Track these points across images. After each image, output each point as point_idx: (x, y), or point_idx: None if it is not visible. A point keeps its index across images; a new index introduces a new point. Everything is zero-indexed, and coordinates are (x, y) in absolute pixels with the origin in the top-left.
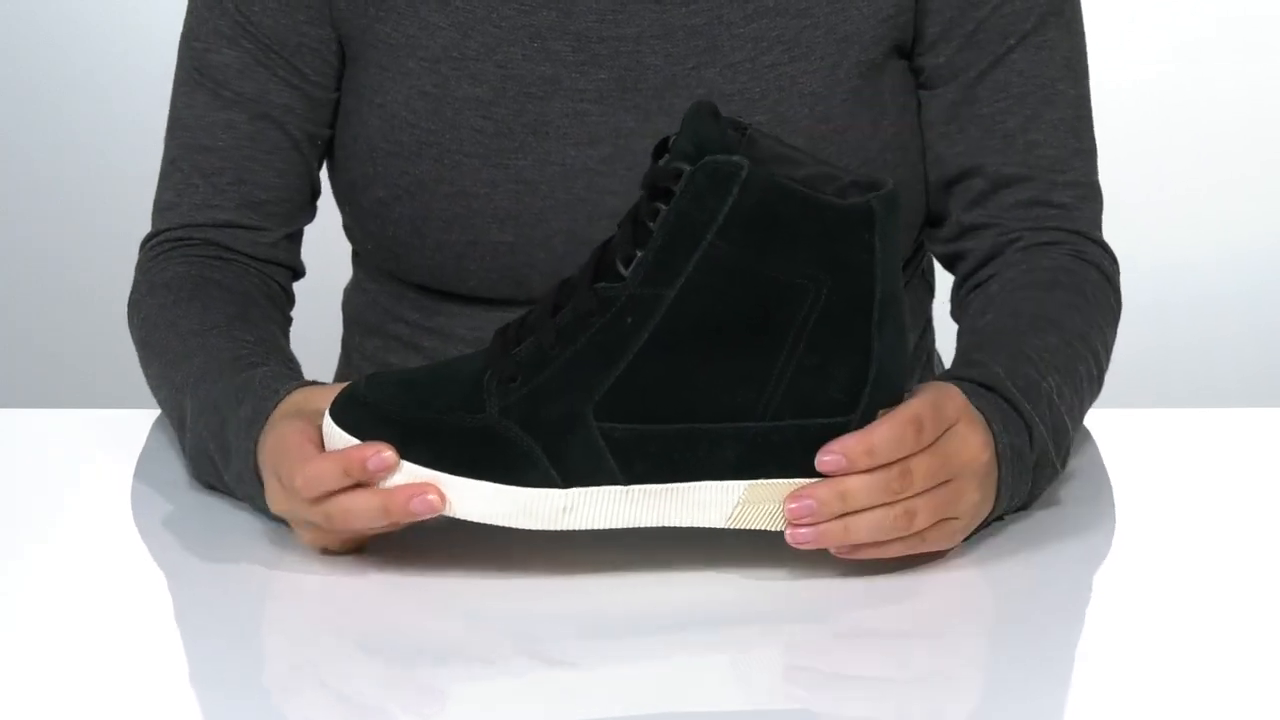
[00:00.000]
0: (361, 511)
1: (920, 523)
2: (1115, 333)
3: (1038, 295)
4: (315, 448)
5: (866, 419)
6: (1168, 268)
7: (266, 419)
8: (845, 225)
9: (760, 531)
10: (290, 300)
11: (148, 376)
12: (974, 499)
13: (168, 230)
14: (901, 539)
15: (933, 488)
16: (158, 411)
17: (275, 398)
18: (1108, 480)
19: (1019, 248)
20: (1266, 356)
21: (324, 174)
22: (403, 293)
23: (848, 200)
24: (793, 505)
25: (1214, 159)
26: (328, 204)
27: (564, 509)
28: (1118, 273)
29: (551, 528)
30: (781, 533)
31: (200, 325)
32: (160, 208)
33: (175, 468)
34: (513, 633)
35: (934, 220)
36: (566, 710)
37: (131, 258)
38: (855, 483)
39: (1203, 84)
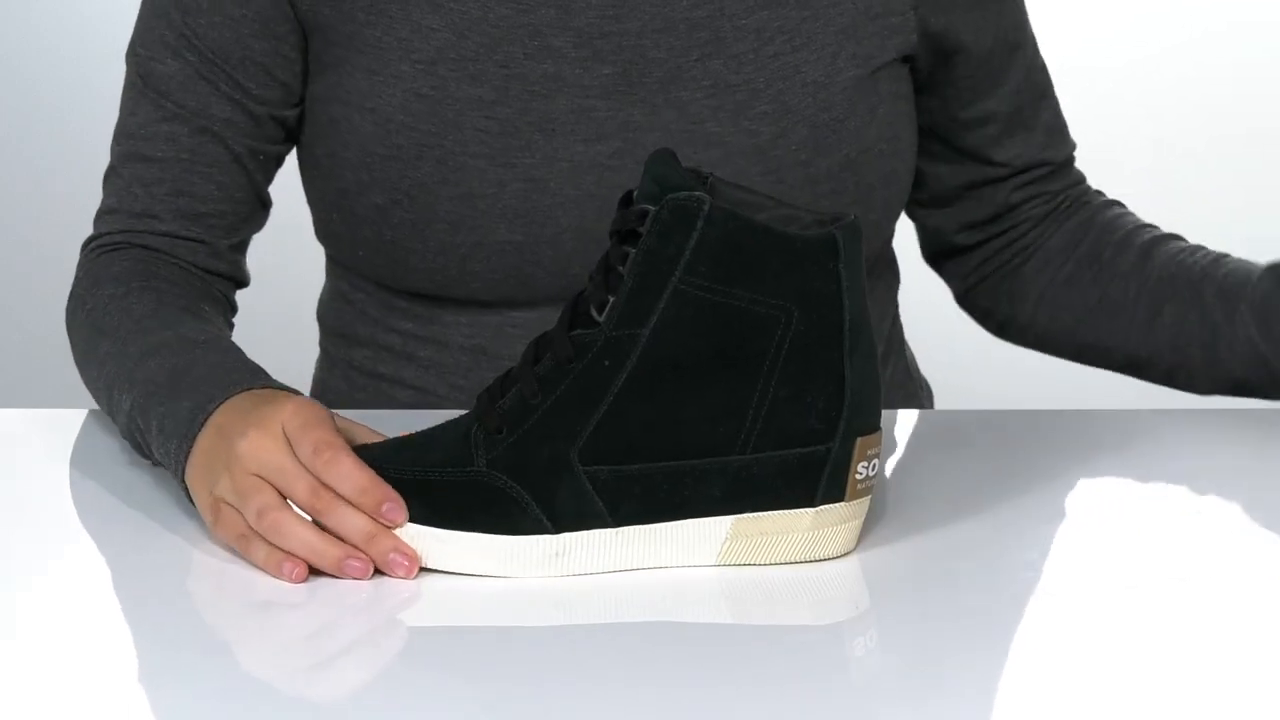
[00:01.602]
0: (349, 529)
1: None
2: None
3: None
4: (348, 443)
5: (844, 446)
6: None
7: (257, 380)
8: (810, 256)
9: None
10: (233, 308)
11: (91, 358)
12: None
13: (108, 234)
14: None
15: None
16: None
17: (259, 379)
18: (1107, 481)
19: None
20: None
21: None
22: (393, 302)
23: (811, 231)
24: None
25: (1214, 157)
26: (304, 210)
27: (556, 554)
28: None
29: (544, 574)
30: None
31: (155, 310)
32: (101, 211)
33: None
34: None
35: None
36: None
37: None
38: None
39: (1201, 81)
